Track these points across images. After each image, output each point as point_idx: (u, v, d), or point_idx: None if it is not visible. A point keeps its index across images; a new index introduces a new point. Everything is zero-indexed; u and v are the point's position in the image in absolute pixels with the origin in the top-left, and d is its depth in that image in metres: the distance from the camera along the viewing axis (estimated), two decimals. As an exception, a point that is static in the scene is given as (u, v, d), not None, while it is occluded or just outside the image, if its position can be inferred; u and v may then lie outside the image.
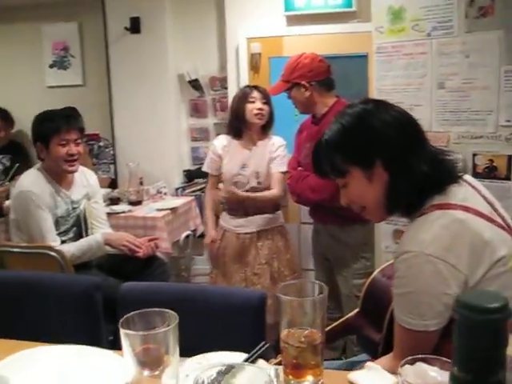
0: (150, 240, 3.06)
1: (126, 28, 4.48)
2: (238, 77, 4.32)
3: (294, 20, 4.08)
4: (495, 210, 1.46)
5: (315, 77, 2.82)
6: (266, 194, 3.23)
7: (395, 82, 2.64)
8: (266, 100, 3.20)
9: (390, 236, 2.82)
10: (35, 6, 4.90)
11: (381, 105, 1.52)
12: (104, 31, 4.61)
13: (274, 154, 3.25)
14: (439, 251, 1.30)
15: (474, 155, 2.52)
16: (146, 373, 1.10)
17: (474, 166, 2.53)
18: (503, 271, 1.33)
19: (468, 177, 1.53)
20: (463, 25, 2.45)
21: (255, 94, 3.20)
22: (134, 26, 4.48)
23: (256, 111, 3.16)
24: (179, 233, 4.13)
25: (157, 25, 4.48)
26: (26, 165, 3.17)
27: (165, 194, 4.37)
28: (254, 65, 4.26)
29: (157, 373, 1.10)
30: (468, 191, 1.45)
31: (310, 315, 1.16)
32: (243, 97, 3.21)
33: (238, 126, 3.25)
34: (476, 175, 2.42)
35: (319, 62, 2.85)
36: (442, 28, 2.49)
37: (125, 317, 1.07)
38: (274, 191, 3.22)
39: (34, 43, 5.10)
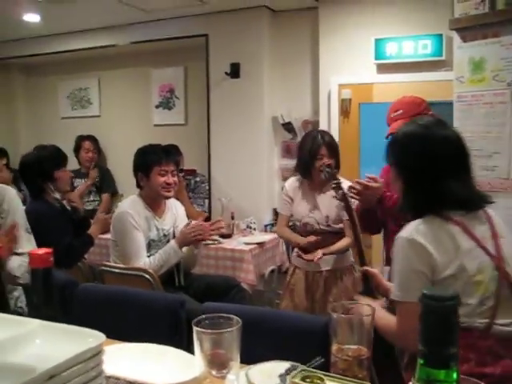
0: (211, 224, 3.27)
1: (226, 73, 4.83)
2: (329, 121, 4.52)
3: (384, 68, 4.25)
4: (496, 240, 1.74)
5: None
6: (339, 245, 3.29)
7: (475, 129, 2.72)
8: (333, 154, 3.27)
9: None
10: (147, 53, 5.42)
11: None
12: (206, 75, 4.99)
13: None
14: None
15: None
16: (214, 372, 1.28)
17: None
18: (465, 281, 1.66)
19: (491, 211, 1.82)
20: (543, 76, 2.51)
21: (323, 151, 3.25)
22: (234, 71, 4.82)
23: (322, 168, 3.23)
24: (265, 267, 4.31)
25: (255, 71, 4.80)
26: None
27: (254, 229, 4.58)
28: (345, 110, 4.45)
29: (223, 373, 1.28)
30: (475, 216, 1.76)
31: (358, 333, 1.29)
32: (312, 153, 3.26)
33: (306, 173, 3.37)
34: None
35: None
36: (522, 79, 2.56)
37: (197, 319, 1.26)
38: (348, 240, 3.27)
39: (144, 86, 5.63)
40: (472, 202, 1.77)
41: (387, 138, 2.94)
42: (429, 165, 1.75)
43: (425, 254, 1.68)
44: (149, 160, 3.22)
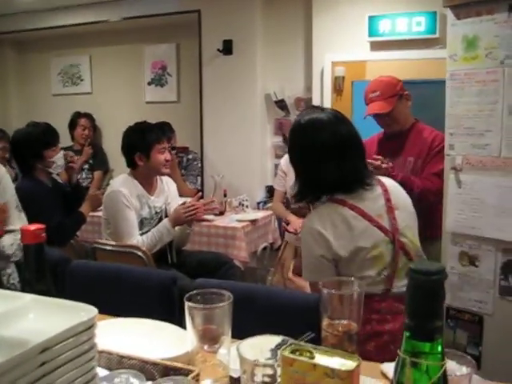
0: (205, 204, 3.29)
1: (218, 50, 4.78)
2: (322, 98, 4.50)
3: (378, 45, 4.23)
4: (391, 214, 1.91)
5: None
6: None
7: (467, 108, 2.70)
8: None
9: (456, 257, 2.87)
10: (140, 29, 5.36)
11: None
12: (199, 52, 4.95)
13: None
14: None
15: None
16: (206, 347, 1.30)
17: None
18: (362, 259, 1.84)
19: (389, 183, 2.02)
20: (536, 54, 2.50)
21: None
22: (227, 48, 4.78)
23: None
24: (257, 244, 4.33)
25: (248, 48, 4.76)
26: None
27: (246, 206, 4.58)
28: (338, 87, 4.44)
29: (215, 348, 1.30)
30: (370, 195, 1.93)
31: (347, 308, 1.31)
32: None
33: None
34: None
35: None
36: (515, 56, 2.55)
37: (189, 294, 1.27)
38: None
39: (136, 62, 5.58)
40: (354, 183, 1.92)
41: (365, 118, 3.09)
42: (311, 153, 1.92)
43: (322, 241, 1.85)
44: (149, 139, 3.21)
